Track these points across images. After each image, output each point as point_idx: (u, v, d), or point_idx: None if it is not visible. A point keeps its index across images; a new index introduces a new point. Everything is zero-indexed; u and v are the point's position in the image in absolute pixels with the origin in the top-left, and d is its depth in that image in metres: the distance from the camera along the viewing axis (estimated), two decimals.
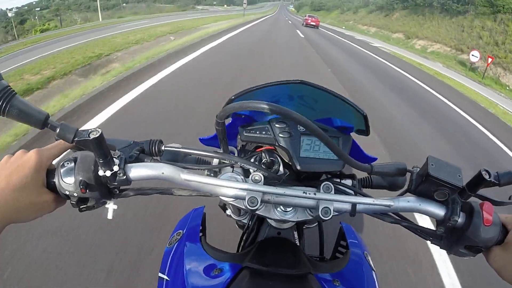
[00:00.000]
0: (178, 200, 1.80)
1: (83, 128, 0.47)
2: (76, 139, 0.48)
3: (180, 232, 0.81)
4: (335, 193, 0.56)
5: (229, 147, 0.62)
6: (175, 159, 0.65)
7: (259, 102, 0.45)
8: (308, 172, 0.61)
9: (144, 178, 0.53)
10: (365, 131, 0.64)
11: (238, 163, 0.58)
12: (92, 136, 0.44)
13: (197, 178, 0.53)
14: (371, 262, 0.80)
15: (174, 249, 0.77)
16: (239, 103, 0.46)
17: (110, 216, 0.56)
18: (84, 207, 0.52)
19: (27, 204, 0.47)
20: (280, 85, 0.58)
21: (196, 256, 0.71)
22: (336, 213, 0.58)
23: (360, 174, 0.73)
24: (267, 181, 0.56)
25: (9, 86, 0.44)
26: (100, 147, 0.46)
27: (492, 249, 0.54)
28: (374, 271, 0.78)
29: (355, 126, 0.65)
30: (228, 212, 0.90)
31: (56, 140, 0.54)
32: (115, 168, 0.49)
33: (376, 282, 0.75)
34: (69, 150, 0.55)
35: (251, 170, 0.58)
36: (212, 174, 0.61)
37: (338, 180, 0.65)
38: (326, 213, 0.53)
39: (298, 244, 0.79)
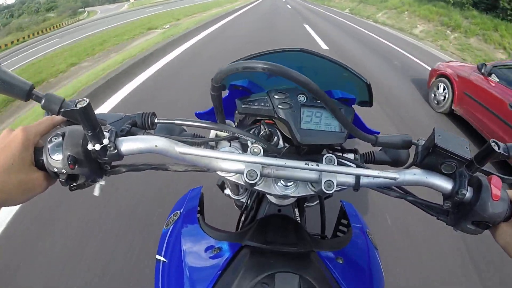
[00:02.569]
0: None
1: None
2: (62, 110, 0.46)
3: (177, 213, 0.79)
4: (338, 165, 0.53)
5: (226, 121, 0.59)
6: (170, 134, 0.62)
7: (261, 61, 0.41)
8: (309, 145, 0.58)
9: (136, 152, 0.50)
10: (368, 102, 0.61)
11: (236, 135, 0.55)
12: (79, 106, 0.41)
13: (193, 150, 0.50)
14: (373, 240, 0.79)
15: (171, 230, 0.75)
16: (237, 63, 0.42)
17: (97, 193, 0.53)
18: (74, 186, 0.50)
19: (16, 185, 0.44)
20: (279, 52, 0.55)
21: (194, 236, 0.69)
22: (339, 188, 0.55)
23: (362, 150, 0.70)
24: (267, 155, 0.54)
25: None
26: (88, 118, 0.42)
27: (499, 225, 0.52)
28: (376, 249, 0.77)
29: (357, 98, 0.62)
30: (227, 191, 0.88)
31: (46, 116, 0.52)
32: (105, 141, 0.46)
33: (379, 259, 0.74)
34: (57, 126, 0.52)
35: (249, 144, 0.56)
36: (208, 149, 0.59)
37: (340, 154, 0.63)
38: (329, 186, 0.50)
39: (299, 221, 0.77)
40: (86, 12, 50.36)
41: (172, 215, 0.80)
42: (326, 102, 0.44)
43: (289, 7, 20.95)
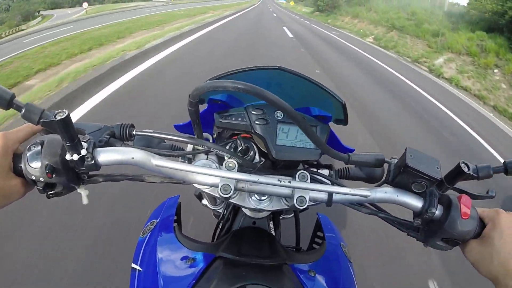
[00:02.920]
0: None
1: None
2: (41, 120, 0.46)
3: (154, 221, 0.79)
4: (311, 182, 0.55)
5: (204, 133, 0.60)
6: (148, 145, 0.62)
7: (236, 81, 0.42)
8: (285, 160, 0.60)
9: (114, 163, 0.51)
10: (344, 121, 0.63)
11: (212, 149, 0.56)
12: (58, 117, 0.42)
13: (168, 164, 0.50)
14: (347, 253, 0.80)
15: (147, 239, 0.75)
16: (215, 81, 0.44)
17: (85, 201, 0.53)
18: (52, 193, 0.50)
19: None
20: (258, 70, 0.56)
21: (169, 245, 0.69)
22: (312, 203, 0.57)
23: (338, 166, 0.72)
24: (242, 169, 0.55)
25: None
26: (67, 129, 0.43)
27: (469, 242, 0.54)
28: (350, 262, 0.79)
29: (334, 116, 0.64)
30: (204, 201, 0.89)
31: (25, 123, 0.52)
32: (83, 152, 0.47)
33: (352, 272, 0.75)
34: (37, 134, 0.52)
35: (225, 158, 0.57)
36: (185, 161, 0.60)
37: (315, 170, 0.65)
38: (301, 202, 0.52)
39: (273, 234, 0.78)
40: (41, 17, 42.35)
41: (149, 223, 0.80)
42: (298, 122, 0.46)
43: (288, 32, 12.98)
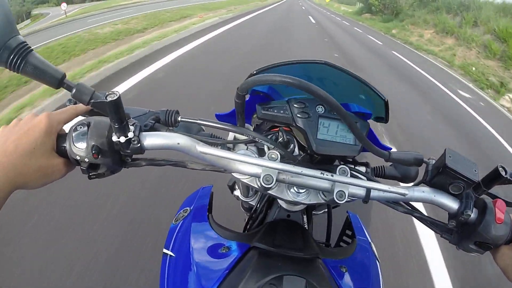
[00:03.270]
0: None
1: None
2: (92, 101, 0.47)
3: (187, 209, 0.81)
4: (350, 177, 0.55)
5: (246, 124, 0.61)
6: (188, 131, 0.64)
7: (285, 76, 0.43)
8: (323, 155, 0.60)
9: (159, 147, 0.52)
10: (384, 118, 0.63)
11: (256, 139, 0.57)
12: (109, 99, 0.43)
13: (213, 151, 0.51)
14: (375, 252, 0.80)
15: (180, 225, 0.76)
16: (264, 75, 0.45)
17: None
18: (94, 174, 0.51)
19: (36, 169, 0.45)
20: (303, 63, 0.57)
21: (203, 233, 0.71)
22: (349, 199, 0.57)
23: (373, 164, 0.72)
24: (283, 161, 0.56)
25: (25, 42, 0.43)
26: (117, 111, 0.44)
27: (500, 247, 0.54)
28: (378, 261, 0.78)
29: (374, 113, 0.64)
30: (236, 192, 0.90)
31: (68, 105, 0.53)
32: (130, 134, 0.48)
33: (379, 271, 0.75)
34: (79, 116, 0.54)
35: (266, 149, 0.57)
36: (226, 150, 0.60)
37: (352, 166, 0.64)
38: (341, 196, 0.52)
39: (307, 228, 0.79)
40: (30, 19, 32.88)
41: (181, 211, 0.82)
42: (343, 116, 0.46)
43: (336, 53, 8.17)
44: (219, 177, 0.73)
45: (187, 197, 0.90)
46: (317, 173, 0.52)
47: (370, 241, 0.82)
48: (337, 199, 0.52)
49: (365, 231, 0.86)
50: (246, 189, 0.87)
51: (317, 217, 0.92)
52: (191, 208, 0.80)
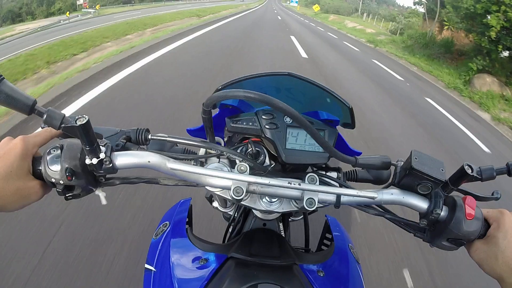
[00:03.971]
0: None
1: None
2: (62, 125, 0.48)
3: (166, 223, 0.81)
4: (320, 184, 0.56)
5: (216, 137, 0.62)
6: (161, 148, 0.65)
7: (247, 91, 0.45)
8: (294, 164, 0.61)
9: (130, 166, 0.53)
10: (351, 124, 0.65)
11: (224, 153, 0.58)
12: (79, 123, 0.43)
13: (183, 167, 0.52)
14: (355, 255, 0.81)
15: (160, 240, 0.77)
16: (227, 91, 0.46)
17: (104, 202, 0.56)
18: (70, 195, 0.52)
19: (13, 192, 0.46)
20: (267, 76, 0.58)
21: (182, 247, 0.71)
22: (321, 205, 0.58)
23: (346, 168, 0.74)
24: (253, 172, 0.57)
25: None
26: (87, 134, 0.45)
27: (474, 242, 0.55)
28: (358, 263, 0.80)
29: (341, 120, 0.66)
30: (215, 204, 0.90)
31: (42, 127, 0.54)
32: (102, 155, 0.49)
33: (360, 273, 0.77)
34: (55, 138, 0.55)
35: (237, 161, 0.59)
36: (198, 165, 0.61)
37: (324, 173, 0.66)
38: (310, 204, 0.54)
39: (283, 235, 0.80)
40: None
41: (161, 225, 0.82)
42: (305, 126, 0.48)
43: None
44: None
45: (167, 211, 0.90)
46: (284, 183, 0.53)
47: (349, 243, 0.84)
48: (307, 206, 0.54)
49: (344, 233, 0.87)
50: (224, 200, 0.88)
51: (297, 223, 0.93)
52: (170, 222, 0.81)
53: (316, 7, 36.19)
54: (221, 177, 0.53)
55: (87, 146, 0.47)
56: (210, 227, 1.80)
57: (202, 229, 1.85)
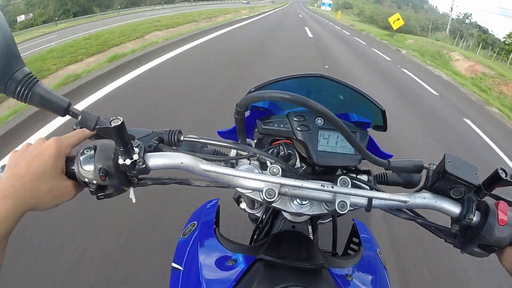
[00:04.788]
0: None
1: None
2: (97, 126, 0.49)
3: (194, 223, 0.82)
4: (352, 187, 0.56)
5: (247, 139, 0.63)
6: (192, 150, 0.66)
7: (282, 92, 0.44)
8: (325, 166, 0.61)
9: (163, 167, 0.54)
10: (383, 127, 0.64)
11: (256, 155, 0.58)
12: (113, 124, 0.45)
13: (216, 168, 0.53)
14: (383, 260, 0.80)
15: (188, 240, 0.78)
16: (262, 92, 0.46)
17: (134, 201, 0.57)
18: (102, 195, 0.53)
19: (47, 192, 0.47)
20: (300, 78, 0.58)
21: (210, 247, 0.72)
22: (352, 208, 0.58)
23: (375, 171, 0.73)
24: (284, 174, 0.57)
25: (31, 73, 0.45)
26: (121, 135, 0.46)
27: (505, 249, 0.54)
28: (386, 268, 0.78)
29: (372, 122, 0.65)
30: (242, 205, 0.91)
31: (75, 129, 0.56)
32: (135, 156, 0.50)
33: (387, 279, 0.75)
34: (87, 139, 0.56)
35: (268, 163, 0.59)
36: (228, 166, 0.62)
37: (354, 175, 0.65)
38: (342, 207, 0.53)
39: (312, 238, 0.79)
40: None
41: (189, 225, 0.84)
42: (339, 127, 0.47)
43: None
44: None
45: (195, 211, 0.92)
46: (317, 185, 0.53)
47: (377, 248, 0.82)
48: (339, 209, 0.53)
49: (371, 238, 0.86)
50: (251, 201, 0.88)
51: (324, 226, 0.93)
52: (198, 222, 0.82)
53: (338, 15, 28.77)
54: (254, 179, 0.53)
55: (121, 147, 0.48)
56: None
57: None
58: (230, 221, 1.89)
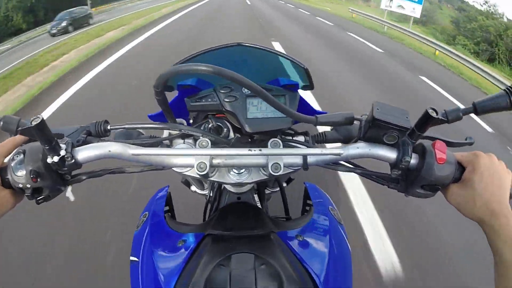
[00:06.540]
0: None
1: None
2: (19, 129, 0.48)
3: (146, 213, 0.81)
4: (284, 148, 0.56)
5: (179, 119, 0.62)
6: (128, 139, 0.64)
7: (194, 64, 0.43)
8: (258, 132, 0.61)
9: (92, 159, 0.53)
10: (309, 86, 0.65)
11: (185, 131, 0.58)
12: (34, 123, 0.44)
13: (144, 151, 0.52)
14: (337, 216, 0.82)
15: (142, 231, 0.77)
16: (174, 67, 0.44)
17: (72, 199, 0.56)
18: (40, 199, 0.52)
19: None
20: (218, 49, 0.58)
21: (161, 233, 0.72)
22: (290, 170, 0.59)
23: (315, 132, 0.74)
24: (217, 146, 0.57)
25: None
26: (43, 133, 0.45)
27: (450, 187, 0.55)
28: (341, 224, 0.81)
29: (300, 83, 0.66)
30: (193, 188, 0.91)
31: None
32: (62, 152, 0.49)
33: (343, 233, 0.78)
34: (19, 146, 0.55)
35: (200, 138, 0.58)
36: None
37: (290, 138, 0.66)
38: (276, 169, 0.53)
39: (259, 206, 0.81)
40: None
41: (141, 216, 0.82)
42: (259, 94, 0.47)
43: None
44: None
45: (147, 203, 0.90)
46: (244, 150, 0.53)
47: (329, 205, 0.85)
48: (272, 171, 0.53)
49: (324, 197, 0.88)
50: (200, 182, 0.88)
51: (278, 194, 0.94)
52: (149, 212, 0.81)
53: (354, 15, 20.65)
54: (182, 155, 0.53)
55: (46, 145, 0.47)
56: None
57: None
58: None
